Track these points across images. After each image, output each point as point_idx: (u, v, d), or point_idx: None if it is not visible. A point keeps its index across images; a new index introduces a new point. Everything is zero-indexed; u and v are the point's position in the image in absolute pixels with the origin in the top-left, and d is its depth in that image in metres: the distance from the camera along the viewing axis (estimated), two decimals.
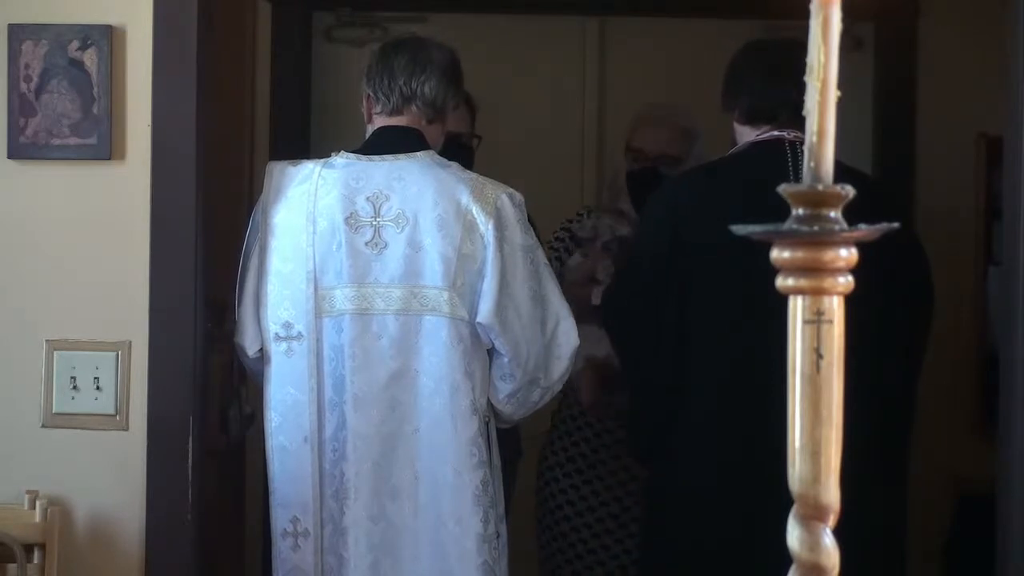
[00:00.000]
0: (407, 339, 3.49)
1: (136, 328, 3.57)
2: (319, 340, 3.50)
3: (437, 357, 3.48)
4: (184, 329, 3.56)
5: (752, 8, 5.02)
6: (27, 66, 3.55)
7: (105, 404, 3.56)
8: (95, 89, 3.55)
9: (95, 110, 3.55)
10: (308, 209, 3.53)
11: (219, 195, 3.93)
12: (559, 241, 4.51)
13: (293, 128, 5.46)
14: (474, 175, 3.61)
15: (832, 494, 1.27)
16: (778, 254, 1.27)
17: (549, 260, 4.25)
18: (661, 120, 4.44)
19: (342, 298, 3.50)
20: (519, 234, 3.55)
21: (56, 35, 3.56)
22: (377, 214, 3.52)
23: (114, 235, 3.58)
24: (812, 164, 1.25)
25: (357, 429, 3.49)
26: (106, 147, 3.56)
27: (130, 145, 3.58)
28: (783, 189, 1.27)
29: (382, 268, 3.50)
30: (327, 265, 3.51)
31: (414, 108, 3.64)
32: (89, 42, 3.55)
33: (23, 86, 3.56)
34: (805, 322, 1.26)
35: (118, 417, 3.57)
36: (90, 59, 3.55)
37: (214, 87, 3.75)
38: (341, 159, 3.59)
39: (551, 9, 5.65)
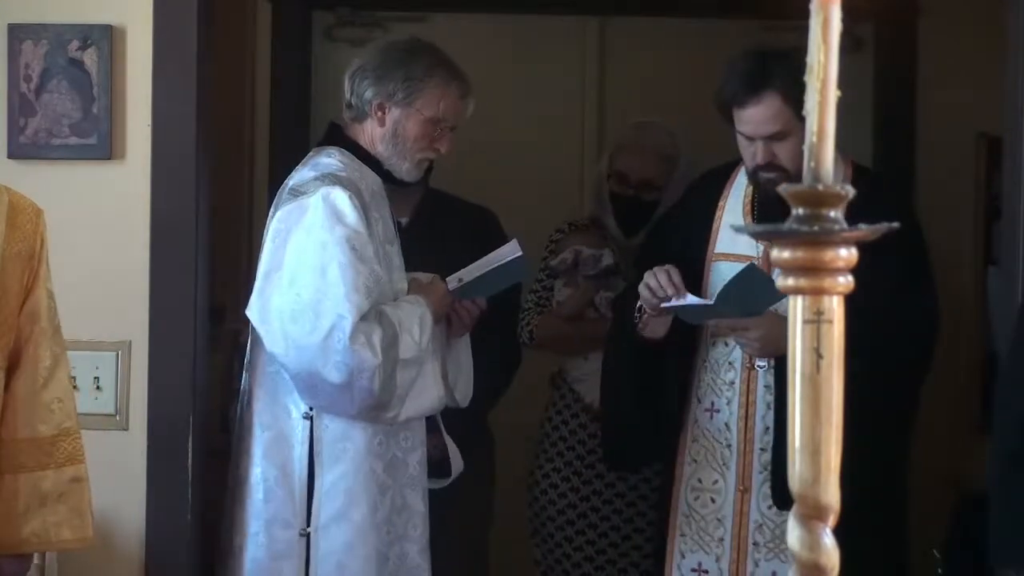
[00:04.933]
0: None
1: (136, 328, 3.57)
2: None
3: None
4: (184, 329, 3.57)
5: (752, 8, 5.02)
6: (27, 66, 3.55)
7: (105, 404, 3.56)
8: (95, 89, 3.55)
9: (95, 110, 3.55)
10: None
11: (219, 195, 3.93)
12: (542, 272, 4.47)
13: (293, 128, 5.46)
14: (321, 171, 3.43)
15: (832, 494, 1.27)
16: (778, 254, 1.27)
17: (536, 288, 4.31)
18: (643, 147, 4.45)
19: None
20: (316, 227, 3.34)
21: (56, 35, 3.56)
22: None
23: (114, 235, 3.59)
24: (812, 164, 1.25)
25: None
26: (106, 147, 3.56)
27: (130, 145, 3.58)
28: (783, 189, 1.27)
29: None
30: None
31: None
32: (89, 42, 3.55)
33: (23, 86, 3.56)
34: (805, 322, 1.26)
35: (118, 417, 3.57)
36: (90, 59, 3.55)
37: (214, 87, 3.75)
38: None
39: (551, 9, 5.65)
